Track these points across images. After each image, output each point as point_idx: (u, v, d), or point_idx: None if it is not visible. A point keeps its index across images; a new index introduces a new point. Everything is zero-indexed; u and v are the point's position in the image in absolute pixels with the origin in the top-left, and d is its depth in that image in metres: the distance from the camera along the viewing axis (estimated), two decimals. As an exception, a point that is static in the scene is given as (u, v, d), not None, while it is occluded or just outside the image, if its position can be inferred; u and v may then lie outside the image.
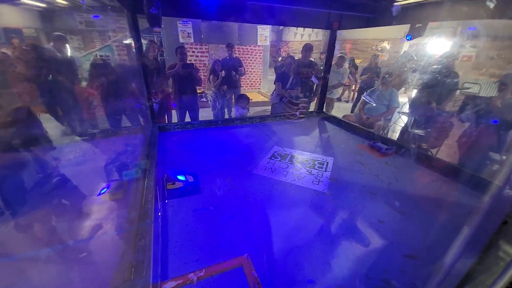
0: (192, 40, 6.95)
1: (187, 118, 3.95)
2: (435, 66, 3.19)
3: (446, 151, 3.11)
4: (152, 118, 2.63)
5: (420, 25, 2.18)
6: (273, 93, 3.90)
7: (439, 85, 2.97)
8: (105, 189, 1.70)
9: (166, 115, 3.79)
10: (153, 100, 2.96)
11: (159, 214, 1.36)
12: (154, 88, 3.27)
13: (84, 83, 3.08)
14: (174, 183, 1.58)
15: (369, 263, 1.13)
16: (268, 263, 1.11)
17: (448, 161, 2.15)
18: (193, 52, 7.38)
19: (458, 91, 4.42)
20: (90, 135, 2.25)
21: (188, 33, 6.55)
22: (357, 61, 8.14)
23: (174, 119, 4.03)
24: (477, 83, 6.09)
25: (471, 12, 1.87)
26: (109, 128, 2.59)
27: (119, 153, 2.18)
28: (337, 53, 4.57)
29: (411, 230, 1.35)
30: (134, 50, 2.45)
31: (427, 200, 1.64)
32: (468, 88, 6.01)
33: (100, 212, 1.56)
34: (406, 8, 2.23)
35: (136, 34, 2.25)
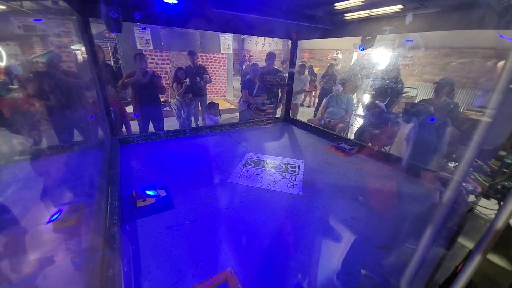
0: (151, 47, 6.63)
1: (151, 129, 3.70)
2: (384, 74, 3.61)
3: (397, 148, 3.50)
4: (111, 130, 2.40)
5: (370, 37, 2.45)
6: (240, 100, 3.92)
7: (388, 90, 3.36)
8: (57, 214, 1.47)
9: (124, 126, 3.47)
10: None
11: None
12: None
13: (21, 94, 2.66)
14: (145, 200, 1.45)
15: (348, 259, 1.18)
16: (253, 273, 1.08)
17: (400, 156, 2.42)
18: (153, 59, 7.03)
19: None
20: (34, 153, 1.93)
21: (146, 39, 6.23)
22: (315, 69, 8.74)
23: (135, 129, 3.74)
24: (415, 88, 7.09)
25: (410, 27, 2.18)
26: (58, 144, 2.26)
27: (71, 172, 1.92)
28: (298, 62, 4.85)
29: (379, 223, 1.46)
30: (86, 56, 2.22)
31: (388, 192, 1.81)
32: (408, 92, 6.97)
33: (50, 243, 1.33)
34: (357, 21, 2.49)
35: (89, 38, 2.05)
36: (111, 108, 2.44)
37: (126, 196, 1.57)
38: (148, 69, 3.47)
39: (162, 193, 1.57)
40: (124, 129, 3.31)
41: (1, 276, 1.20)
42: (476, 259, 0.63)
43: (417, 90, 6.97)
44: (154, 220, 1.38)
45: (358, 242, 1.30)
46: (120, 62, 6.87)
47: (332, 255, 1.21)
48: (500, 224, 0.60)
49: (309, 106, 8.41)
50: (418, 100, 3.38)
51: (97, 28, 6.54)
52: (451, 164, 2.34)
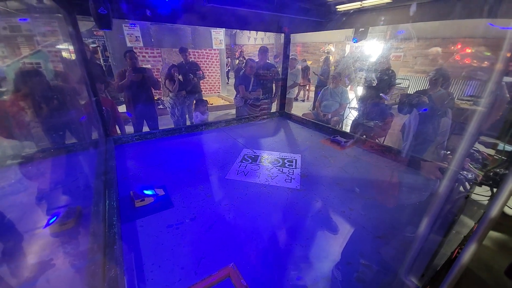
0: (141, 44, 6.49)
1: (146, 129, 3.65)
2: (376, 66, 3.63)
3: (391, 139, 3.56)
4: (105, 131, 2.36)
5: (363, 29, 2.45)
6: (236, 96, 3.90)
7: (381, 82, 3.38)
8: (54, 218, 1.45)
9: (116, 126, 3.41)
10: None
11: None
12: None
13: (9, 96, 2.58)
14: (143, 199, 1.44)
15: (347, 250, 1.21)
16: (254, 268, 1.09)
17: (395, 147, 2.46)
18: (144, 56, 6.89)
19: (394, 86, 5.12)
20: (26, 157, 1.89)
21: (136, 36, 6.10)
22: (308, 63, 8.71)
23: (128, 130, 3.69)
24: (407, 79, 7.16)
25: (402, 17, 2.19)
26: (50, 146, 2.21)
27: (65, 175, 1.89)
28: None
29: (377, 213, 1.49)
30: (74, 55, 2.16)
31: (384, 183, 1.85)
32: (400, 84, 7.04)
33: (49, 247, 1.32)
34: (350, 13, 2.48)
35: (77, 37, 1.99)
36: (104, 108, 2.40)
37: (124, 196, 1.56)
38: (139, 66, 3.41)
39: (160, 192, 1.57)
40: (118, 130, 3.26)
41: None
42: (472, 248, 0.64)
43: (409, 81, 7.04)
44: (153, 219, 1.38)
45: (356, 232, 1.33)
46: (109, 60, 6.71)
47: (331, 246, 1.23)
48: (495, 212, 0.61)
49: (303, 100, 8.41)
50: (414, 91, 3.42)
51: (84, 25, 6.34)
52: (444, 152, 2.39)
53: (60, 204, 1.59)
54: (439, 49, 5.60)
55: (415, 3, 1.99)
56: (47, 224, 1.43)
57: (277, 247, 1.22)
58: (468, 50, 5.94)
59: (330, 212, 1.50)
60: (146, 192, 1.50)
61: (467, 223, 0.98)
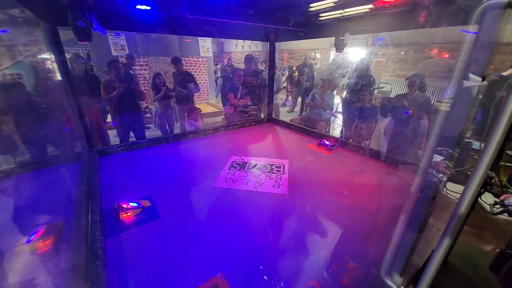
0: (127, 53, 6.42)
1: (132, 138, 3.58)
2: (356, 72, 3.78)
3: (376, 142, 3.67)
4: (88, 142, 2.30)
5: (343, 37, 2.55)
6: (225, 104, 3.92)
7: (362, 87, 3.51)
8: (33, 235, 1.39)
9: (99, 138, 3.31)
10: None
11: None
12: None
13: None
14: (128, 212, 1.41)
15: (334, 252, 1.23)
16: (243, 276, 1.09)
17: (378, 149, 2.55)
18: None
19: (376, 91, 5.31)
20: (4, 171, 1.80)
21: (121, 45, 6.04)
22: (294, 69, 8.89)
23: (113, 141, 3.61)
24: (389, 83, 7.45)
25: (379, 26, 2.30)
26: (30, 159, 2.13)
27: (45, 189, 1.82)
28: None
29: (361, 214, 1.53)
30: (55, 66, 2.11)
31: (369, 185, 1.90)
32: (383, 87, 7.32)
33: (28, 266, 1.26)
34: (329, 23, 2.58)
35: (58, 48, 1.95)
36: (87, 119, 2.34)
37: (109, 209, 1.51)
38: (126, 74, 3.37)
39: (146, 203, 1.54)
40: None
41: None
42: (445, 242, 0.68)
43: (391, 85, 7.33)
44: (139, 232, 1.35)
45: (343, 235, 1.35)
46: (94, 70, 6.58)
47: (320, 249, 1.25)
48: (462, 209, 0.66)
49: (285, 105, 8.53)
50: (394, 95, 3.58)
51: (67, 34, 6.22)
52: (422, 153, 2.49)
53: (39, 221, 1.52)
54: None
55: (393, 12, 2.11)
56: (27, 242, 1.36)
57: (265, 253, 1.22)
58: (446, 56, 6.28)
59: (318, 216, 1.52)
60: (131, 204, 1.47)
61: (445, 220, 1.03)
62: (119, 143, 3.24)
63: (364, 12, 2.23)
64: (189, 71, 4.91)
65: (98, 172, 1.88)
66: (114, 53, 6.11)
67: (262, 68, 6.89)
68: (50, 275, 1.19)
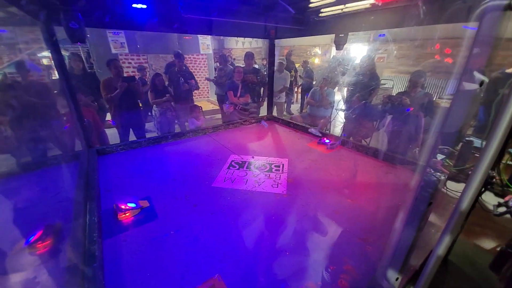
0: (126, 51, 6.41)
1: (132, 137, 3.58)
2: (359, 69, 3.73)
3: (376, 140, 3.64)
4: (87, 142, 2.30)
5: (343, 35, 2.51)
6: (225, 102, 3.90)
7: (364, 84, 3.47)
8: (32, 237, 1.39)
9: (98, 137, 3.31)
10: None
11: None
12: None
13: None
14: (126, 212, 1.40)
15: (332, 254, 1.22)
16: (240, 278, 1.08)
17: (379, 148, 2.52)
18: (130, 63, 6.79)
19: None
20: (3, 173, 1.81)
21: (121, 43, 6.01)
22: (297, 65, 8.82)
23: (114, 140, 3.61)
24: (391, 79, 7.38)
25: (380, 23, 2.26)
26: (29, 160, 2.13)
27: (44, 190, 1.82)
28: (277, 59, 4.86)
29: (360, 214, 1.51)
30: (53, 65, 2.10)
31: (368, 184, 1.88)
32: (385, 84, 7.25)
33: (26, 268, 1.26)
34: (329, 20, 2.54)
35: (55, 47, 1.94)
36: (85, 120, 2.34)
37: (107, 210, 1.51)
38: (126, 76, 3.36)
39: (145, 204, 1.54)
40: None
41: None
42: (446, 240, 0.66)
43: (393, 82, 7.26)
44: (137, 233, 1.34)
45: (342, 236, 1.34)
46: (94, 68, 6.57)
47: (318, 250, 1.24)
48: (463, 207, 0.64)
49: (292, 103, 8.49)
50: (395, 93, 3.53)
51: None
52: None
53: (37, 222, 1.52)
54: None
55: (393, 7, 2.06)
56: (27, 242, 1.37)
57: (263, 254, 1.21)
58: (448, 58, 6.20)
59: (317, 215, 1.51)
60: (130, 204, 1.46)
61: (445, 219, 1.01)
62: (118, 142, 3.24)
63: (365, 8, 2.19)
64: (188, 68, 4.87)
65: (97, 172, 1.88)
66: (113, 50, 6.09)
67: (256, 66, 6.83)
68: (49, 277, 1.20)
